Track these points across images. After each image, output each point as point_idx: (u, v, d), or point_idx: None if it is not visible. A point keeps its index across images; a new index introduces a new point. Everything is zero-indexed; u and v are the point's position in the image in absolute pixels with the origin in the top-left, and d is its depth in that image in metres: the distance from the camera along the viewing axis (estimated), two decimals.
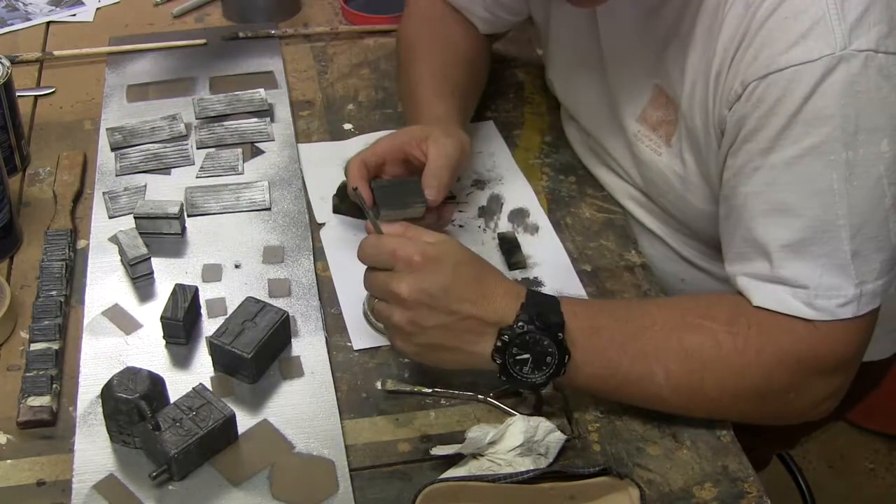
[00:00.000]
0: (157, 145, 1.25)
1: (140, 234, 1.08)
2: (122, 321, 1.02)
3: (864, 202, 0.86)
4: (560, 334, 0.87)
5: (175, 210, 1.10)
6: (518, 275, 1.08)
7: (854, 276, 0.87)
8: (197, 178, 1.20)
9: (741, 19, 0.90)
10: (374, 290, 0.92)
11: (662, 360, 0.89)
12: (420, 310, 0.88)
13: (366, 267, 0.92)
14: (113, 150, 1.24)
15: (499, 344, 0.88)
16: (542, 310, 0.88)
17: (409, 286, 0.87)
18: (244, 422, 0.92)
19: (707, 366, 0.89)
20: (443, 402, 0.95)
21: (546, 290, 1.06)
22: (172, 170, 1.22)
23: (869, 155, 0.85)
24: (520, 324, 0.87)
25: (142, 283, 1.06)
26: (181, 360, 0.98)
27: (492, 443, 0.88)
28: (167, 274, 1.07)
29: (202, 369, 0.98)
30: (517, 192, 1.19)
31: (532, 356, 0.88)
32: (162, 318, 0.99)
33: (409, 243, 0.89)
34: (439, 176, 1.03)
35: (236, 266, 1.09)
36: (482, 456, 0.88)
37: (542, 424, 0.89)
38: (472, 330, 0.88)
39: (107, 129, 1.27)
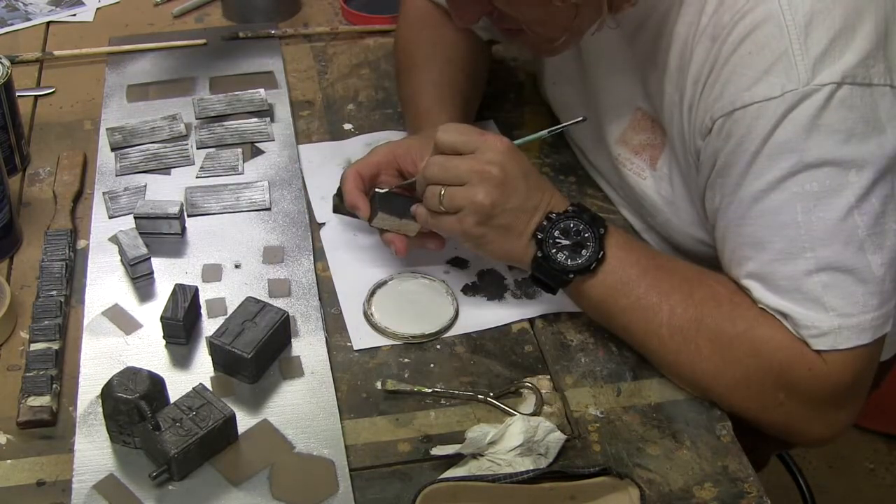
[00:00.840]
0: (157, 145, 1.25)
1: (140, 234, 1.08)
2: (122, 321, 1.02)
3: (831, 234, 0.86)
4: (602, 229, 0.93)
5: (175, 210, 1.10)
6: (518, 275, 1.08)
7: (829, 308, 0.87)
8: (197, 178, 1.20)
9: (708, 52, 0.91)
10: (456, 197, 0.94)
11: (671, 300, 0.92)
12: (505, 189, 0.93)
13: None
14: (113, 150, 1.24)
15: (544, 222, 0.94)
16: (590, 213, 0.95)
17: (496, 168, 0.93)
18: (244, 422, 0.92)
19: (703, 321, 0.91)
20: (443, 402, 0.95)
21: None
22: (172, 170, 1.22)
23: (835, 187, 0.85)
24: (570, 208, 0.94)
25: (142, 283, 1.06)
26: (181, 360, 0.98)
27: (492, 443, 0.88)
28: (167, 274, 1.07)
29: (202, 369, 0.98)
30: None
31: (570, 243, 0.93)
32: (162, 318, 0.99)
33: (480, 159, 0.93)
34: None
35: (236, 266, 1.09)
36: (482, 456, 0.88)
37: (542, 424, 0.89)
38: (533, 214, 0.95)
39: (107, 129, 1.27)
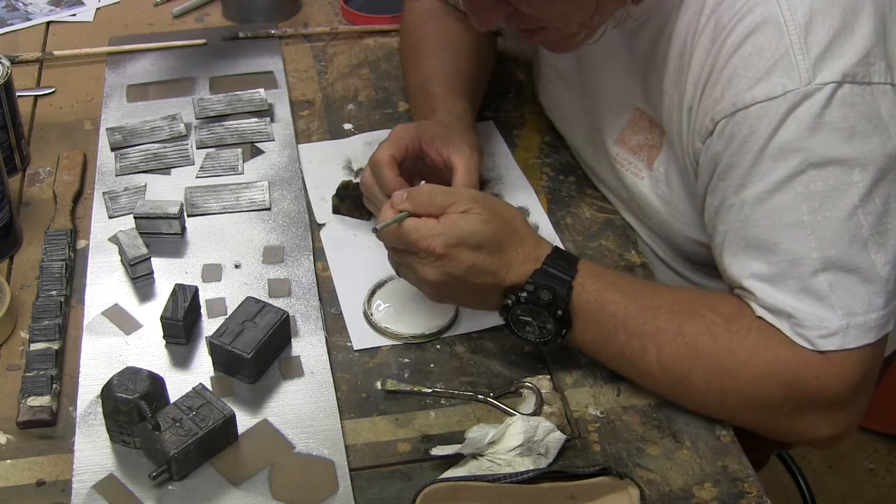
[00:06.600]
0: (157, 145, 1.25)
1: (140, 234, 1.08)
2: (122, 321, 1.02)
3: (836, 234, 0.86)
4: (560, 311, 0.91)
5: (175, 210, 1.10)
6: None
7: (837, 307, 0.86)
8: (197, 178, 1.20)
9: (708, 53, 0.91)
10: (400, 269, 0.96)
11: (658, 341, 0.91)
12: (445, 287, 0.93)
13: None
14: (113, 150, 1.24)
15: (506, 303, 0.92)
16: (551, 282, 0.91)
17: (434, 272, 0.92)
18: (244, 422, 0.92)
19: (698, 356, 0.89)
20: (443, 402, 0.95)
21: None
22: (172, 170, 1.22)
23: (840, 186, 0.85)
24: (524, 294, 0.91)
25: (142, 283, 1.06)
26: (181, 360, 0.98)
27: (492, 443, 0.88)
28: (167, 274, 1.07)
29: (202, 369, 0.98)
30: (517, 191, 1.19)
31: (534, 320, 0.92)
32: (162, 318, 0.99)
33: (430, 235, 0.91)
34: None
35: (236, 266, 1.09)
36: (482, 456, 0.88)
37: (542, 424, 0.89)
38: (491, 292, 0.93)
39: (107, 129, 1.27)
